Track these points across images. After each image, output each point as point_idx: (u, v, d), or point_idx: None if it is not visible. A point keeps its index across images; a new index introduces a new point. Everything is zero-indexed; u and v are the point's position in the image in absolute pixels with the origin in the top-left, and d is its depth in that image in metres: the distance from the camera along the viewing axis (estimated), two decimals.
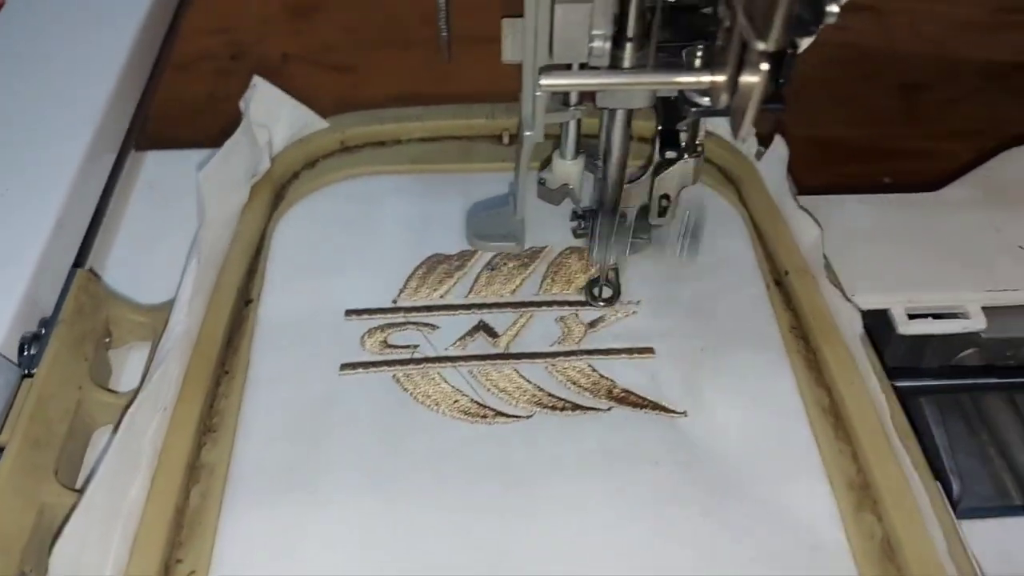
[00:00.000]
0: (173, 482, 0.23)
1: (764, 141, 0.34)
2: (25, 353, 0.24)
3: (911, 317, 0.29)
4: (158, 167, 0.33)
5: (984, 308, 0.30)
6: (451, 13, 0.24)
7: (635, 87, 0.22)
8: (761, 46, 0.19)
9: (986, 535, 0.24)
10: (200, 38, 0.48)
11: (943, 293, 0.30)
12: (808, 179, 0.44)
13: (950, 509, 0.23)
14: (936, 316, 0.30)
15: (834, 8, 0.21)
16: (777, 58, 0.23)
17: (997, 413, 0.32)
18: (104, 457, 0.22)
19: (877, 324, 0.30)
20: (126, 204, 0.31)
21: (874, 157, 0.52)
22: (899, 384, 0.31)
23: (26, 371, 0.23)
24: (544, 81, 0.21)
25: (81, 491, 0.22)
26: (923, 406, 0.34)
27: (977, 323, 0.29)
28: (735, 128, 0.21)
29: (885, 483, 0.23)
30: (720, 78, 0.21)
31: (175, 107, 0.40)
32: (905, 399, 0.32)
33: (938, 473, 0.33)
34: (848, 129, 0.55)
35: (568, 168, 0.26)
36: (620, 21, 0.22)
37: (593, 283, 0.29)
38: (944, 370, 0.32)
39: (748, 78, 0.20)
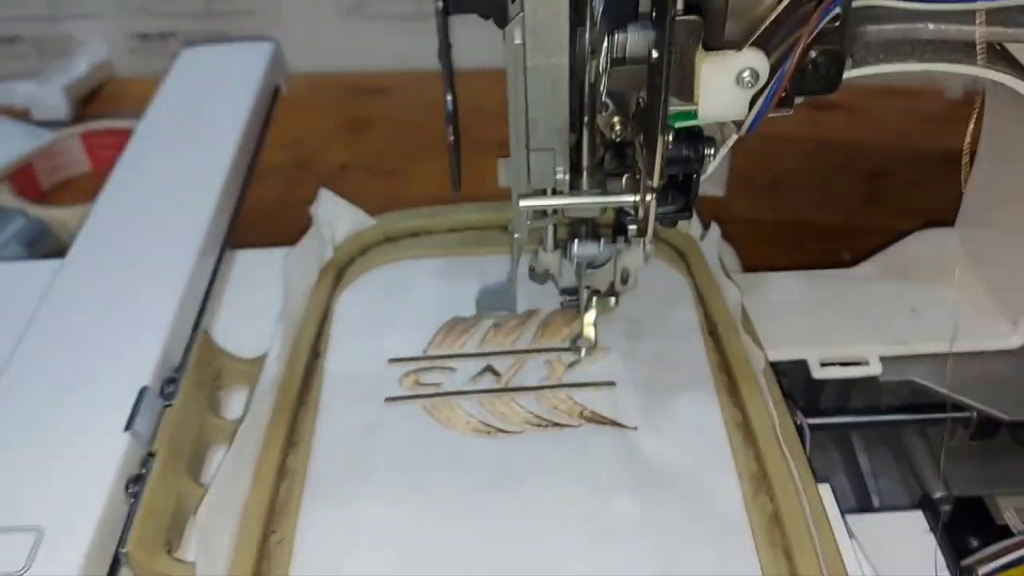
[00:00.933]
0: (268, 480, 0.32)
1: (707, 225, 0.43)
2: (164, 392, 0.34)
3: (823, 365, 0.38)
4: (246, 261, 0.44)
5: (881, 357, 0.38)
6: (459, 153, 0.34)
7: (588, 205, 0.32)
8: (650, 182, 0.29)
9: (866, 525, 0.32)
10: (272, 152, 0.59)
11: (850, 347, 0.39)
12: (783, 257, 0.52)
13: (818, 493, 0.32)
14: (843, 364, 0.38)
15: (711, 151, 0.31)
16: (685, 182, 0.32)
17: (910, 440, 0.40)
18: (221, 464, 0.32)
19: (798, 370, 0.39)
20: (226, 286, 0.42)
21: (841, 236, 0.60)
22: (831, 420, 0.40)
23: (166, 403, 0.33)
24: (523, 203, 0.31)
25: (206, 486, 0.31)
26: (852, 439, 0.42)
27: (875, 369, 0.38)
28: (641, 230, 0.30)
29: (775, 474, 0.31)
30: (637, 198, 0.31)
31: (252, 212, 0.51)
32: (837, 431, 0.41)
33: (862, 490, 0.41)
34: (820, 213, 0.64)
35: (548, 259, 0.36)
36: (577, 158, 0.32)
37: (577, 336, 0.38)
38: (867, 409, 0.40)
39: (647, 199, 0.30)
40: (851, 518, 0.32)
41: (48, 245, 0.55)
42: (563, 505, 0.32)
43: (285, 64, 0.56)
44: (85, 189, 0.66)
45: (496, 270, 0.41)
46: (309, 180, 0.50)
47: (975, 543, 0.34)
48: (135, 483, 0.30)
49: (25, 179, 0.63)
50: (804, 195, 0.66)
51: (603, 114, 0.31)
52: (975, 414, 0.38)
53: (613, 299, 0.37)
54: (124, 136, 0.61)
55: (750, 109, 0.28)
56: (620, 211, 0.34)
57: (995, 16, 0.30)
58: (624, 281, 0.37)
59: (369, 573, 0.30)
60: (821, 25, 0.26)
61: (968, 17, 0.30)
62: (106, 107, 0.74)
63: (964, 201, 0.42)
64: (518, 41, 0.28)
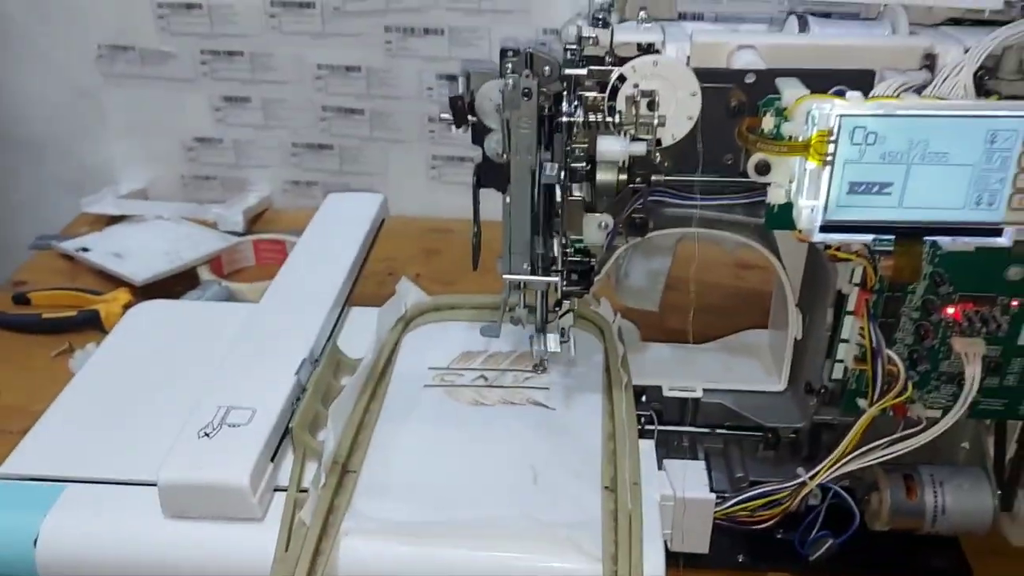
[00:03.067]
0: (360, 410, 0.62)
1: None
2: (313, 363, 0.65)
3: (670, 389, 0.67)
4: (358, 314, 0.75)
5: (704, 389, 0.67)
6: (479, 249, 0.65)
7: (535, 281, 0.62)
8: (506, 276, 0.60)
9: None
10: (375, 263, 0.92)
11: (687, 381, 0.67)
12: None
13: (637, 438, 0.60)
14: (681, 389, 0.67)
15: (594, 259, 0.61)
16: (585, 274, 0.63)
17: (728, 448, 0.67)
18: (338, 398, 0.62)
19: (656, 391, 0.67)
20: (346, 324, 0.74)
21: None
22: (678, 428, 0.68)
23: (313, 368, 0.64)
24: (506, 276, 0.62)
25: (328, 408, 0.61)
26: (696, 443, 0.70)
27: (699, 394, 0.66)
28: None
29: (619, 433, 0.60)
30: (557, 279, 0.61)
31: (360, 296, 0.83)
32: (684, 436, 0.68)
33: None
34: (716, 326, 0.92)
35: (521, 313, 0.66)
36: (535, 261, 0.63)
37: (536, 365, 0.68)
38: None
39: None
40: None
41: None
42: (510, 434, 0.61)
43: (388, 208, 0.90)
44: (250, 275, 1.01)
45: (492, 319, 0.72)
46: (395, 282, 0.82)
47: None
48: (296, 401, 0.61)
49: (216, 264, 0.98)
50: (712, 318, 0.95)
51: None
52: (767, 433, 0.66)
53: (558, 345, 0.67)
54: (279, 244, 0.97)
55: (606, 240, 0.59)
56: (562, 295, 0.64)
57: (746, 208, 0.60)
58: (563, 335, 0.67)
59: (409, 462, 0.59)
60: (634, 205, 0.57)
61: (725, 208, 0.60)
62: (266, 226, 1.10)
63: (770, 318, 0.72)
64: (508, 201, 0.60)
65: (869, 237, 0.53)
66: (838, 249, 0.55)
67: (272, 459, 0.57)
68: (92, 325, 0.89)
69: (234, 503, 0.54)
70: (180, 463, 0.55)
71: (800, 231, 0.53)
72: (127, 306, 0.83)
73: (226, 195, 1.15)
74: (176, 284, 0.95)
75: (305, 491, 0.56)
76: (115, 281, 0.96)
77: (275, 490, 0.57)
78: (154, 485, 0.54)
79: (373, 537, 0.54)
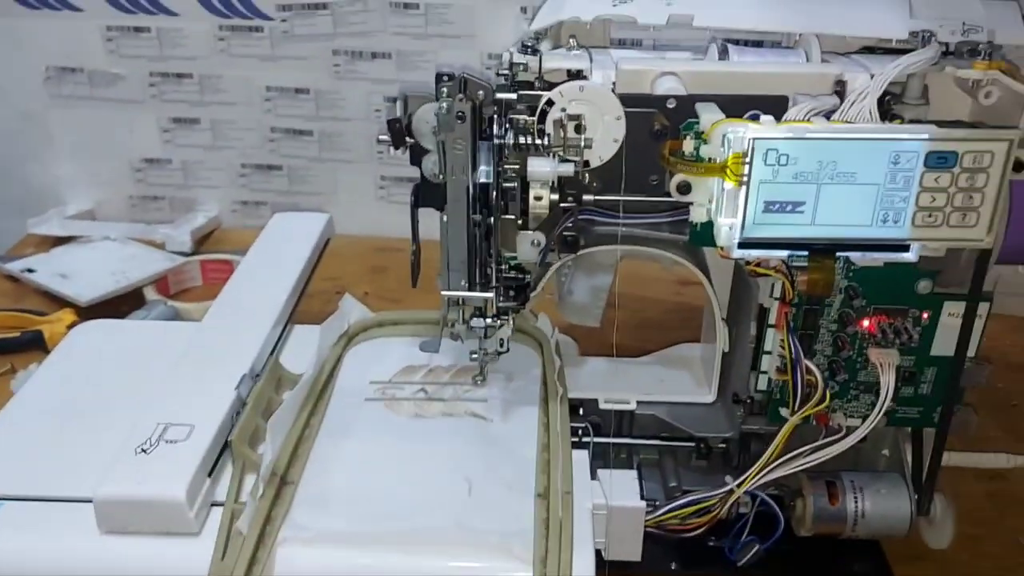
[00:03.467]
0: (300, 424, 0.63)
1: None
2: (254, 378, 0.66)
3: (605, 401, 0.69)
4: (301, 331, 0.77)
5: (638, 401, 0.69)
6: (418, 266, 0.66)
7: (472, 297, 0.64)
8: (444, 292, 0.62)
9: None
10: (321, 283, 0.93)
11: (622, 394, 0.69)
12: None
13: (570, 447, 0.62)
14: (615, 402, 0.69)
15: (529, 276, 0.63)
16: (521, 290, 0.65)
17: (662, 459, 0.70)
18: (279, 409, 0.63)
19: (592, 404, 0.69)
20: (289, 339, 0.75)
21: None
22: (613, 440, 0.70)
23: (254, 383, 0.65)
24: (444, 293, 0.64)
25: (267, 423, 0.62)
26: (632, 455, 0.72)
27: (632, 406, 0.68)
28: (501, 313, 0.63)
29: (554, 445, 0.62)
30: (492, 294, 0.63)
31: (306, 314, 0.84)
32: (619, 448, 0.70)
33: None
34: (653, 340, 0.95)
35: (460, 328, 0.68)
36: (472, 278, 0.65)
37: (476, 375, 0.69)
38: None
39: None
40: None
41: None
42: (447, 446, 0.63)
43: (333, 227, 0.91)
44: (197, 295, 1.01)
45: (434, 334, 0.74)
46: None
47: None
48: (236, 416, 0.62)
49: (162, 284, 0.98)
50: (652, 332, 0.97)
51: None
52: (699, 444, 0.68)
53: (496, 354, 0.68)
54: (227, 264, 0.97)
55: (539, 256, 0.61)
56: (498, 311, 0.66)
57: (672, 225, 0.63)
58: (501, 345, 0.69)
59: (348, 474, 0.60)
60: (564, 223, 0.60)
61: (652, 226, 0.63)
62: (215, 246, 1.11)
63: (702, 332, 0.75)
64: (445, 220, 0.62)
65: (784, 253, 0.56)
66: (758, 265, 0.58)
67: (210, 474, 0.58)
68: (36, 346, 0.89)
69: (170, 518, 0.55)
70: (116, 479, 0.55)
71: (721, 248, 0.56)
72: (71, 327, 0.83)
73: (174, 215, 1.15)
74: (122, 305, 0.95)
75: (243, 504, 0.56)
76: (60, 302, 0.96)
77: (213, 504, 0.57)
78: (91, 502, 0.55)
79: (309, 546, 0.55)
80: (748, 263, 0.58)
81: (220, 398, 0.62)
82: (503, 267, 0.62)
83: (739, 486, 0.62)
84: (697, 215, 0.57)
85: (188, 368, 0.66)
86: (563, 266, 0.85)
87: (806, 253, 0.56)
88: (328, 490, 0.59)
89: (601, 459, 0.65)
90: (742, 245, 0.55)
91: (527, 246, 0.60)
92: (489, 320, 0.63)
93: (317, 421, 0.65)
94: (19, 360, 0.87)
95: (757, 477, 0.62)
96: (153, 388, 0.63)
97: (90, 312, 0.92)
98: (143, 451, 0.57)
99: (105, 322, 0.80)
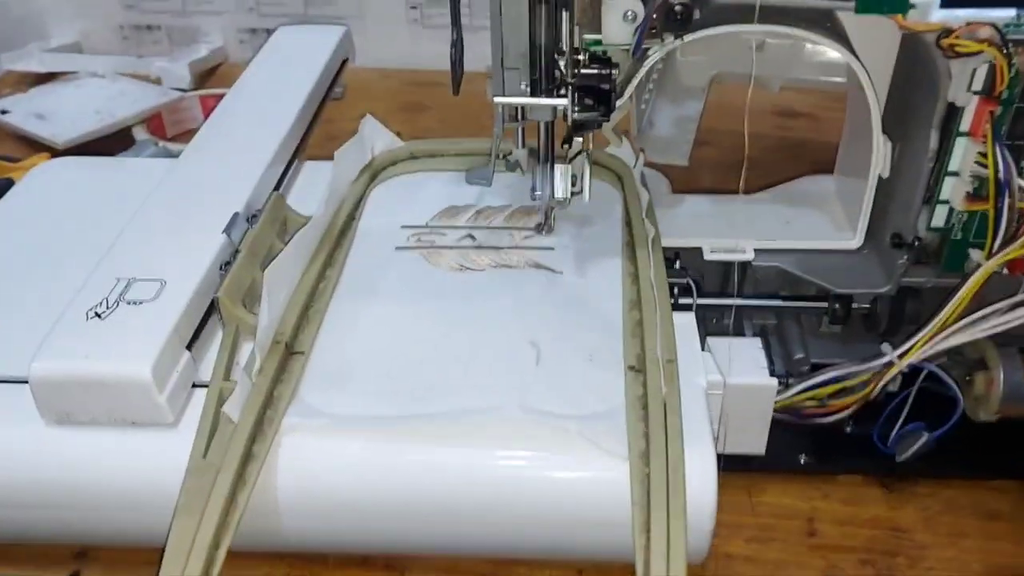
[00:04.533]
0: (312, 276, 0.48)
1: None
2: (250, 219, 0.50)
3: (712, 251, 0.52)
4: (312, 168, 0.60)
5: (756, 249, 0.52)
6: (462, 53, 0.49)
7: (537, 104, 0.47)
8: (571, 81, 0.44)
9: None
10: (347, 123, 0.74)
11: (734, 241, 0.52)
12: None
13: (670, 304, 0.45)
14: (727, 251, 0.52)
15: (616, 71, 0.45)
16: (604, 96, 0.47)
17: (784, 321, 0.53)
18: (281, 252, 0.47)
19: (696, 255, 0.52)
20: (297, 177, 0.59)
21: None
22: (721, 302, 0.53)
23: (249, 226, 0.49)
24: (496, 100, 0.46)
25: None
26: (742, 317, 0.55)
27: (749, 256, 0.51)
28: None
29: (645, 299, 0.45)
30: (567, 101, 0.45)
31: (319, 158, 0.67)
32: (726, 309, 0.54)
33: None
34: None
35: (519, 153, 0.51)
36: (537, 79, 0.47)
37: (539, 224, 0.53)
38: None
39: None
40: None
41: None
42: (504, 304, 0.47)
43: (352, 45, 0.73)
44: None
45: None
46: None
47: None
48: (225, 267, 0.46)
49: (156, 124, 0.82)
50: (752, 175, 0.79)
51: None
52: (835, 303, 0.51)
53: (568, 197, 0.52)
54: None
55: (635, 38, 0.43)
56: (572, 126, 0.49)
57: None
58: (574, 184, 0.52)
59: (374, 342, 0.45)
60: None
61: None
62: (219, 83, 0.93)
63: (837, 158, 0.56)
64: None
65: (1011, 12, 0.37)
66: (957, 37, 0.39)
67: (189, 346, 0.43)
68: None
69: (134, 403, 0.40)
70: (58, 351, 0.41)
71: (909, 8, 0.37)
72: None
73: (172, 48, 0.98)
74: (108, 148, 0.79)
75: (235, 382, 0.42)
76: (37, 146, 0.80)
77: (195, 386, 0.43)
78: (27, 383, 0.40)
79: (324, 436, 0.40)
80: (945, 35, 0.39)
81: (203, 244, 0.47)
82: (582, 58, 0.44)
83: (902, 356, 0.45)
84: None
85: (162, 208, 0.50)
86: (643, 89, 0.67)
87: None
88: (349, 363, 0.44)
89: (702, 327, 0.49)
90: (947, 0, 0.36)
91: (617, 21, 0.42)
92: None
93: (334, 275, 0.50)
94: None
95: (928, 344, 0.45)
96: (117, 234, 0.48)
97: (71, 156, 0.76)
98: (96, 315, 0.42)
99: (74, 159, 0.65)
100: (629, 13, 0.42)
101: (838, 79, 0.61)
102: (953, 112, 0.43)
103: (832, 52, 0.53)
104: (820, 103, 0.87)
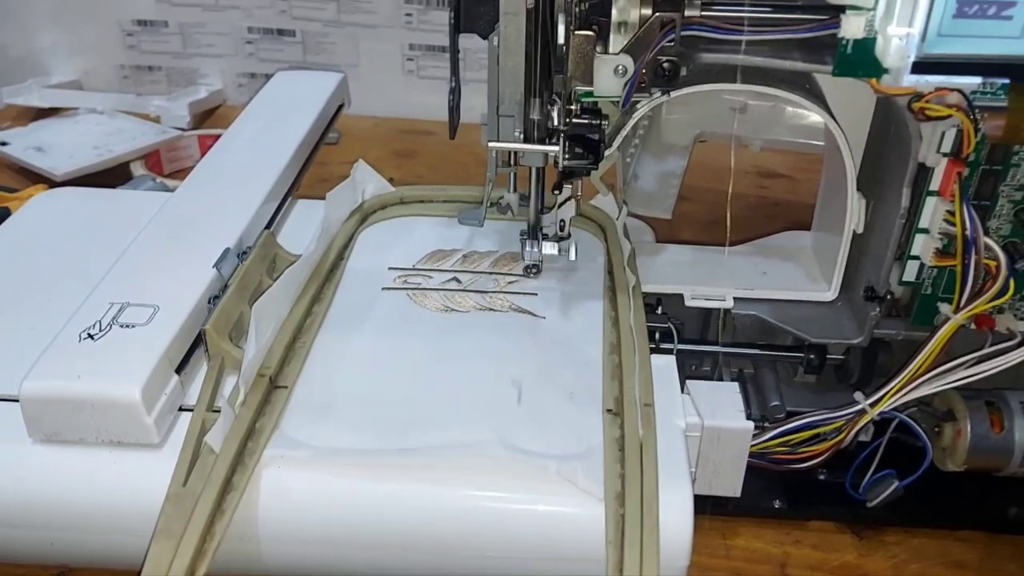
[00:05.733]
0: (300, 312, 0.49)
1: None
2: (240, 256, 0.51)
3: (692, 298, 0.53)
4: (304, 207, 0.61)
5: (735, 298, 0.53)
6: (459, 100, 0.50)
7: (529, 150, 0.48)
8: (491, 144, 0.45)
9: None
10: (341, 167, 0.75)
11: (714, 289, 0.54)
12: None
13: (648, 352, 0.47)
14: (707, 299, 0.54)
15: (604, 121, 0.47)
16: (593, 145, 0.49)
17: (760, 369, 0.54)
18: (269, 290, 0.48)
19: (676, 300, 0.54)
20: (291, 213, 0.60)
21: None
22: (700, 348, 0.54)
23: (240, 262, 0.50)
24: (491, 144, 0.48)
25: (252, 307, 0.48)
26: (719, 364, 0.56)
27: (729, 304, 0.53)
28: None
29: (624, 342, 0.47)
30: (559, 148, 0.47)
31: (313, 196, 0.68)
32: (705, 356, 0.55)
33: None
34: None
35: (510, 197, 0.52)
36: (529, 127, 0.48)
37: (530, 267, 0.54)
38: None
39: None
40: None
41: None
42: (488, 343, 0.48)
43: (348, 91, 0.75)
44: None
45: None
46: None
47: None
48: (215, 300, 0.47)
49: (153, 161, 0.84)
50: (736, 232, 0.81)
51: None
52: (809, 352, 0.53)
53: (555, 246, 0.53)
54: None
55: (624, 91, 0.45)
56: (561, 175, 0.50)
57: (806, 52, 0.46)
58: (562, 229, 0.53)
59: (358, 376, 0.46)
60: (660, 43, 0.43)
61: (777, 52, 0.46)
62: (217, 124, 0.95)
63: (815, 214, 0.59)
64: (495, 43, 0.45)
65: (977, 80, 0.39)
66: (927, 101, 0.41)
67: (179, 370, 0.44)
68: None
69: (123, 423, 0.41)
70: (49, 370, 0.41)
71: (883, 74, 0.40)
72: None
73: (172, 89, 1.00)
74: (106, 182, 0.81)
75: (218, 410, 0.42)
76: (35, 178, 0.82)
77: (182, 409, 0.44)
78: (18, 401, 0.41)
79: (305, 468, 0.41)
80: (916, 100, 0.41)
81: (194, 276, 0.48)
82: (572, 108, 0.46)
83: (873, 405, 0.47)
84: (851, 28, 0.40)
85: (157, 239, 0.51)
86: (630, 143, 0.69)
87: (1006, 81, 0.39)
88: (332, 396, 0.45)
89: (681, 371, 0.50)
90: (918, 67, 0.38)
91: (608, 75, 0.44)
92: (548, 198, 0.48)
93: (321, 310, 0.51)
94: None
95: (899, 394, 0.46)
96: (112, 263, 0.49)
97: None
98: (89, 336, 0.43)
99: (72, 190, 0.66)
100: (620, 68, 0.44)
101: (815, 142, 0.63)
102: (923, 172, 0.45)
103: (810, 116, 0.55)
104: (797, 165, 0.90)
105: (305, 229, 0.57)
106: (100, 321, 0.44)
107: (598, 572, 0.38)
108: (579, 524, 0.40)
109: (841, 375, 0.54)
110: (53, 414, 0.41)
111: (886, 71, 0.40)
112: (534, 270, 0.54)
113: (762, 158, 0.87)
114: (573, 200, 0.51)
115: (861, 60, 0.41)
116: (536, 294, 0.52)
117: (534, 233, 0.52)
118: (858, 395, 0.47)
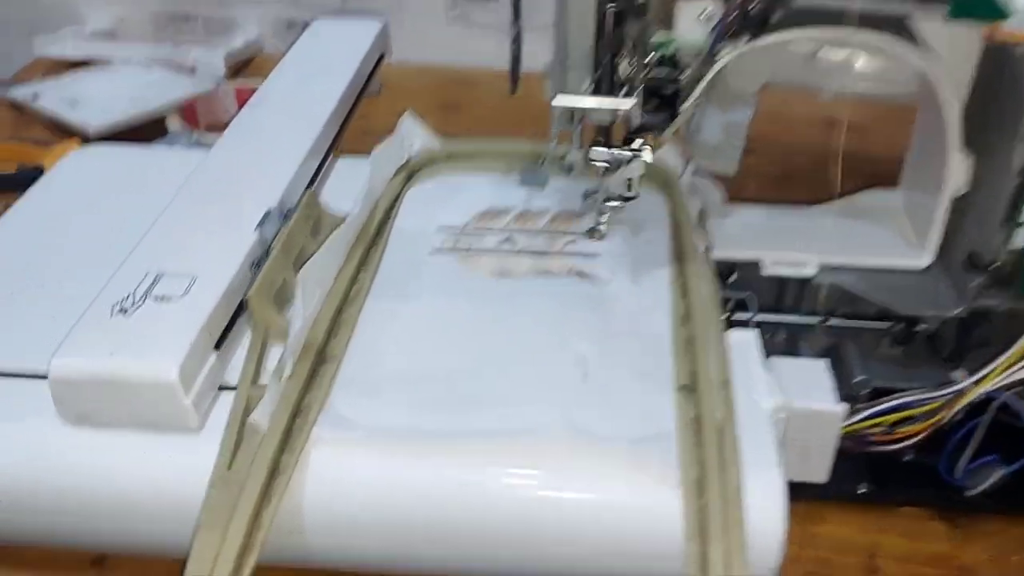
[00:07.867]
0: (346, 278, 0.46)
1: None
2: (283, 216, 0.47)
3: (773, 264, 0.49)
4: (347, 164, 0.58)
5: (819, 265, 0.49)
6: (520, 50, 0.46)
7: (599, 108, 0.44)
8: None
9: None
10: (385, 118, 0.72)
11: (794, 254, 0.49)
12: None
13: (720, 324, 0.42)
14: (788, 264, 0.49)
15: (684, 73, 0.42)
16: (670, 99, 0.44)
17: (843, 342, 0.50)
18: (313, 255, 0.44)
19: (753, 268, 0.50)
20: (330, 173, 0.56)
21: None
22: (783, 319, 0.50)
23: (283, 223, 0.47)
24: (556, 102, 0.44)
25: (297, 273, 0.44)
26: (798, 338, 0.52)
27: (811, 271, 0.48)
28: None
29: (696, 312, 0.43)
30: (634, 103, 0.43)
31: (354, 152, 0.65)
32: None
33: None
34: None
35: (575, 155, 0.48)
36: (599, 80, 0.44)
37: (593, 230, 0.50)
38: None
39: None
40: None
41: None
42: (548, 314, 0.44)
43: (389, 41, 0.71)
44: None
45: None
46: None
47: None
48: (257, 265, 0.44)
49: (189, 114, 0.80)
50: (799, 188, 0.76)
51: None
52: (898, 324, 0.48)
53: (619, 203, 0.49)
54: None
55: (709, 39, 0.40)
56: (635, 129, 0.46)
57: None
58: (629, 188, 0.49)
59: (410, 349, 0.43)
60: None
61: None
62: (254, 74, 0.91)
63: (903, 170, 0.53)
64: None
65: None
66: None
67: (217, 346, 0.41)
68: (36, 182, 0.72)
69: (158, 405, 0.38)
70: (81, 349, 0.38)
71: (1005, 17, 0.34)
72: None
73: (208, 38, 0.96)
74: (140, 136, 0.78)
75: (263, 387, 0.39)
76: (68, 132, 0.79)
77: (221, 388, 0.41)
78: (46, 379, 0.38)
79: (357, 449, 0.38)
80: None
81: (234, 241, 0.44)
82: (648, 60, 0.41)
83: (977, 383, 0.42)
84: None
85: (193, 201, 0.48)
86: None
87: None
88: (383, 371, 0.42)
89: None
90: None
91: (691, 21, 0.39)
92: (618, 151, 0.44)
93: (367, 277, 0.47)
94: (16, 199, 0.71)
95: (1006, 373, 0.42)
96: (147, 225, 0.46)
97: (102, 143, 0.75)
98: (122, 311, 0.40)
99: (106, 148, 0.63)
100: (704, 12, 0.39)
101: (892, 90, 0.58)
102: None
103: (889, 64, 0.50)
104: (874, 114, 0.84)
105: (348, 187, 0.53)
106: (134, 293, 0.41)
107: (674, 569, 0.35)
108: (654, 515, 0.36)
109: (932, 348, 0.49)
110: (84, 395, 0.38)
111: (1008, 15, 0.35)
112: (598, 234, 0.50)
113: (832, 107, 0.81)
114: (640, 158, 0.47)
115: (980, 2, 0.35)
116: (597, 255, 0.48)
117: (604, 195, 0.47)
118: (958, 373, 0.43)
